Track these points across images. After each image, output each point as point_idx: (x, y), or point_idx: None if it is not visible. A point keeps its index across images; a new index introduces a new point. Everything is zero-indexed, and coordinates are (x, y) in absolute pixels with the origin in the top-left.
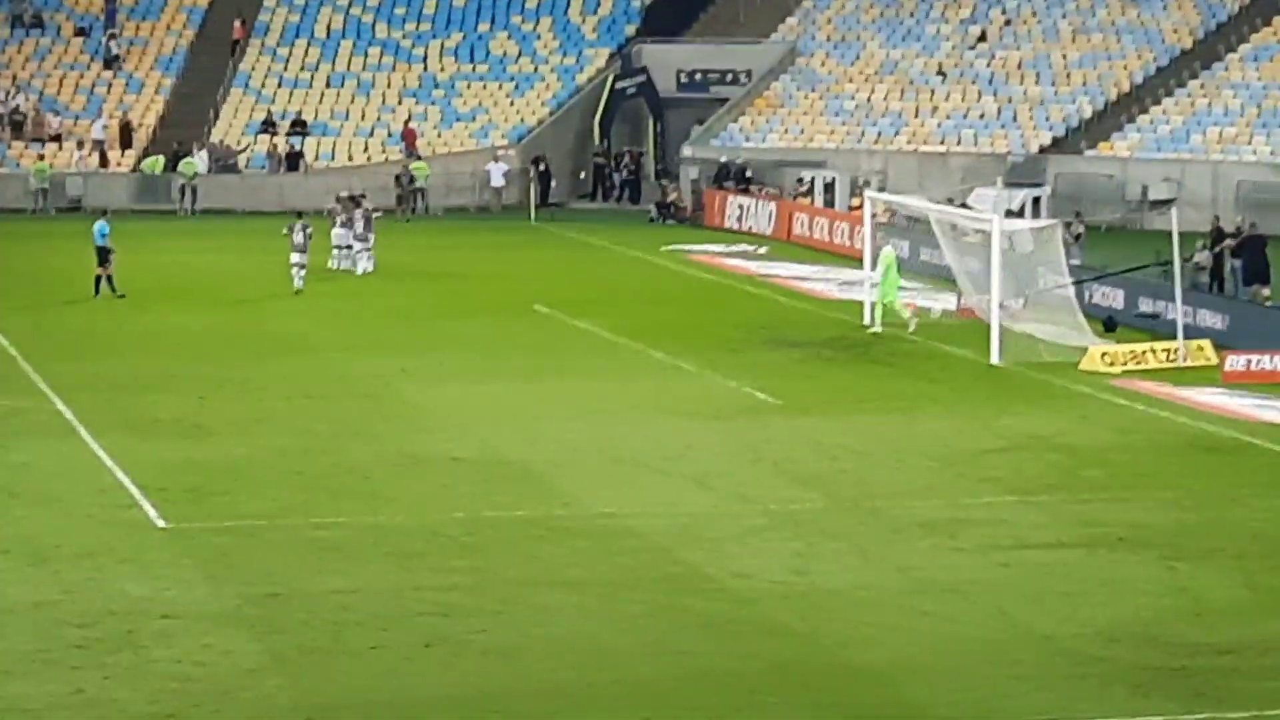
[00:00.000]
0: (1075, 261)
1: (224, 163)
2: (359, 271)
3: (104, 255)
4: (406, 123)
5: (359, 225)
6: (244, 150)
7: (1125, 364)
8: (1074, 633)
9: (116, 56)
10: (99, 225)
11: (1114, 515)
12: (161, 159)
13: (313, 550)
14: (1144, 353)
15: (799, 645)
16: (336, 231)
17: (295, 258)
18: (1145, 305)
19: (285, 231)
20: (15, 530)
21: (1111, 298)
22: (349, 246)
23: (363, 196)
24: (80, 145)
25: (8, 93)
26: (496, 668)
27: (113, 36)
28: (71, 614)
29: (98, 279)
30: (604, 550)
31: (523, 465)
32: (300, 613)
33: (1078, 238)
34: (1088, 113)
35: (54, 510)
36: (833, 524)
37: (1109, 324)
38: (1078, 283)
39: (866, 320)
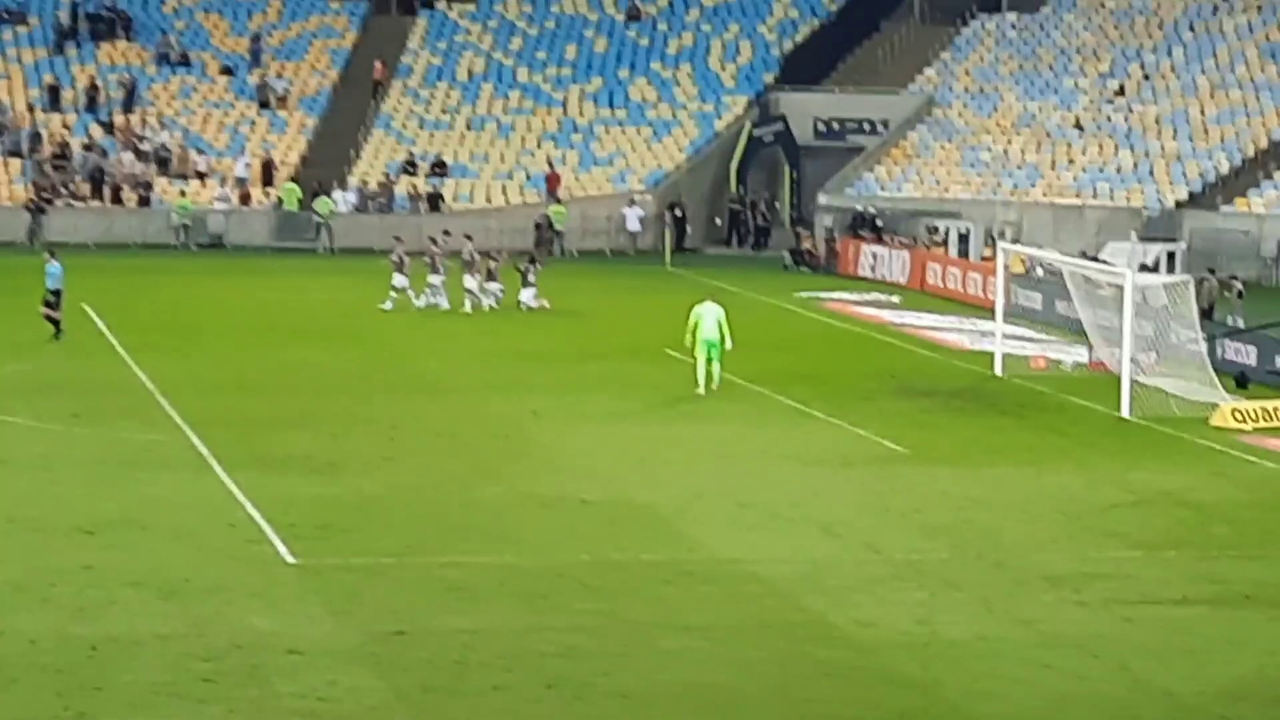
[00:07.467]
0: (1239, 321)
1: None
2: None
3: (56, 296)
4: (551, 167)
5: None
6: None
7: (1257, 421)
8: (1197, 690)
9: (271, 93)
10: (53, 266)
11: (1241, 572)
12: (297, 188)
13: (439, 589)
14: (1276, 410)
15: (920, 696)
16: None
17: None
18: (1279, 362)
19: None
20: (145, 563)
21: (1244, 354)
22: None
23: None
24: (223, 182)
25: (153, 130)
26: (618, 711)
27: (264, 76)
28: (199, 648)
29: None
30: (728, 595)
31: (650, 509)
32: (425, 651)
33: (1240, 295)
34: (1224, 169)
35: (184, 543)
36: (958, 575)
37: (1241, 380)
38: (1211, 338)
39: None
